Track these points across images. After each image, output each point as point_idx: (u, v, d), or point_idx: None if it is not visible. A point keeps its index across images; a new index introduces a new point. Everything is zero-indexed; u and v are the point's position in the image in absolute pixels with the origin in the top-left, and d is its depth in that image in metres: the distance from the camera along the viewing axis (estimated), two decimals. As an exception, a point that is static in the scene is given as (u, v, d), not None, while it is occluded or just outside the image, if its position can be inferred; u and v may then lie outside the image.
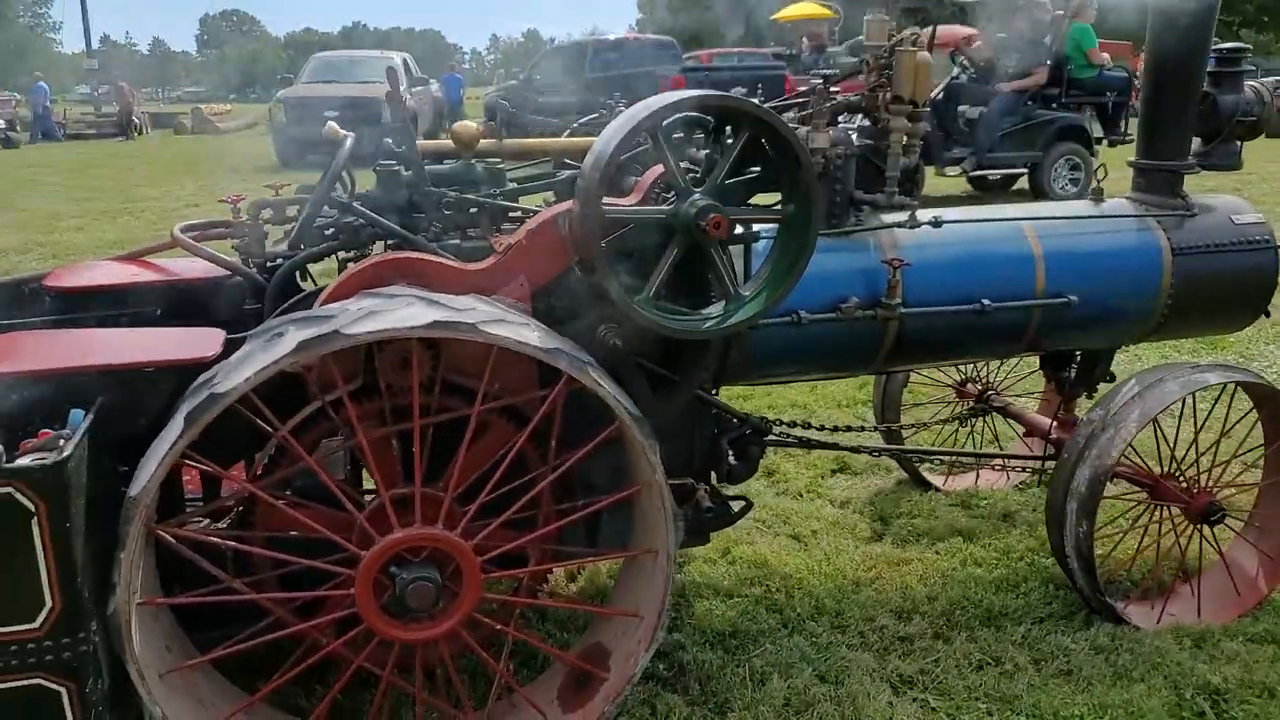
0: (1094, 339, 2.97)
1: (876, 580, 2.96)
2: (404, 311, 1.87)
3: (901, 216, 2.63)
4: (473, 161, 2.38)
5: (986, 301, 2.63)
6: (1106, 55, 10.67)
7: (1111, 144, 10.70)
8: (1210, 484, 2.76)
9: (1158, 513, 2.80)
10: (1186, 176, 2.94)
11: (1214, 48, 2.96)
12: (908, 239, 2.65)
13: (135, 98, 26.06)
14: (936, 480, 3.64)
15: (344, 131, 2.34)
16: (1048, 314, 2.74)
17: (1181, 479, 2.77)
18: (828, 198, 2.59)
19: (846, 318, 2.52)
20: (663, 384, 2.38)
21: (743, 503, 2.62)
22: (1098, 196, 2.98)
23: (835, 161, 2.56)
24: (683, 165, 2.21)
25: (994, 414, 3.56)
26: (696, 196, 2.08)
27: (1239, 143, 3.02)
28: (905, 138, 2.62)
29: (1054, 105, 10.17)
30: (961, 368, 3.61)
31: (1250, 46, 3.06)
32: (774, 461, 3.78)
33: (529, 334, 1.93)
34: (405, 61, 20.95)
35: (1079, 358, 3.10)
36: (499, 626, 2.12)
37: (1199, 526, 2.73)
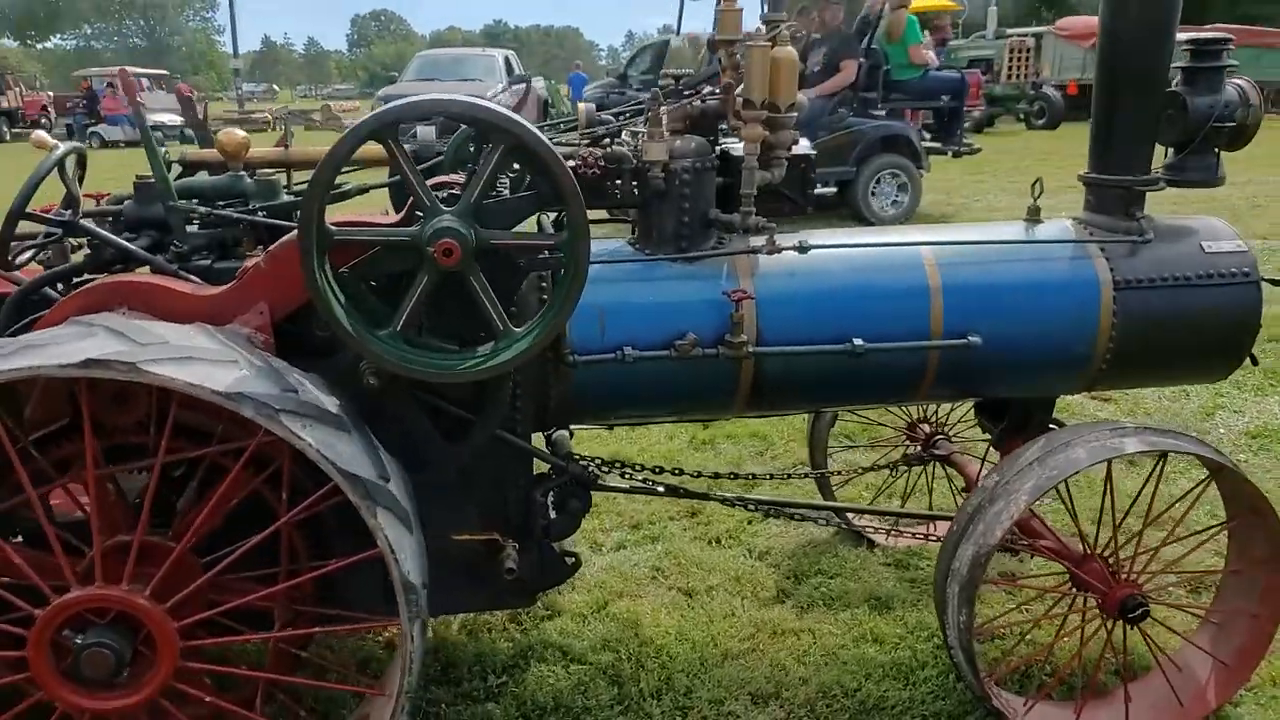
0: (1012, 388, 2.50)
1: (751, 653, 2.58)
2: (67, 347, 1.66)
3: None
4: (242, 173, 2.15)
5: (859, 341, 2.22)
6: (932, 54, 9.56)
7: (957, 155, 9.71)
8: (1136, 571, 2.26)
9: (1080, 600, 2.33)
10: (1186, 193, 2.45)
11: (1192, 37, 2.45)
12: (771, 267, 2.27)
13: (203, 101, 27.31)
14: (879, 535, 3.20)
15: (53, 141, 2.15)
16: (947, 357, 2.31)
17: (1111, 562, 2.29)
18: (675, 217, 2.25)
19: (682, 356, 2.17)
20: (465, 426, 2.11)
21: (573, 559, 2.31)
22: (1033, 217, 2.51)
23: (681, 176, 2.21)
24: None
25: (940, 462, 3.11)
26: (444, 217, 1.79)
27: (1217, 153, 2.48)
28: (767, 149, 2.27)
29: (874, 112, 8.78)
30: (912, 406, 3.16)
31: (1230, 38, 2.50)
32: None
33: (218, 374, 1.68)
34: (507, 59, 21.20)
35: (1010, 406, 2.64)
36: (206, 698, 1.88)
37: (1118, 623, 2.24)
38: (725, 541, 3.21)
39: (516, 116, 1.76)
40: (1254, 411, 4.36)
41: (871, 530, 3.16)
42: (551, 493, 2.27)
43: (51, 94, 30.25)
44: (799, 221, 3.61)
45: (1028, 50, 24.61)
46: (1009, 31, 25.42)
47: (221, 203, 2.14)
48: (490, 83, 17.68)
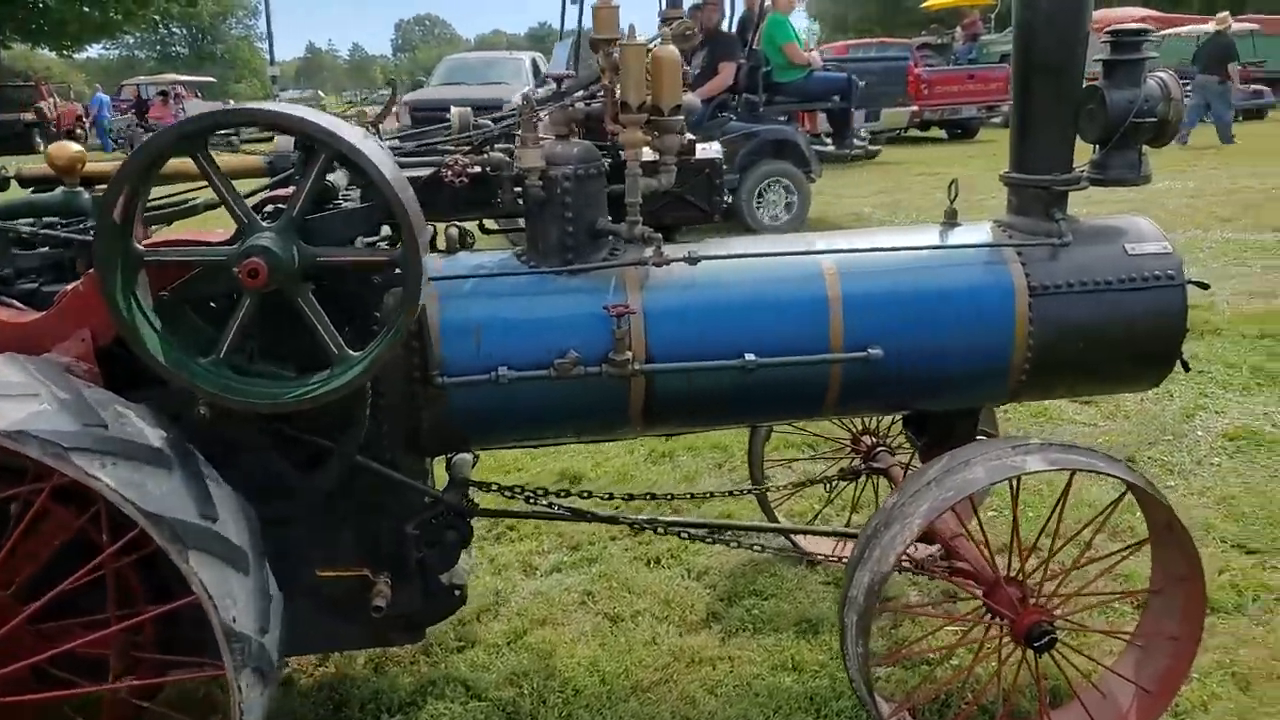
0: (925, 401, 2.38)
1: (662, 684, 2.48)
2: None
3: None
4: (79, 189, 2.09)
5: (750, 356, 2.12)
6: (815, 54, 9.06)
7: (854, 159, 9.38)
8: (1047, 596, 2.14)
9: (994, 626, 2.20)
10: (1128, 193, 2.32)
11: (1112, 27, 2.32)
12: (663, 280, 2.17)
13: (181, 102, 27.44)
14: (825, 549, 3.08)
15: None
16: (851, 371, 2.20)
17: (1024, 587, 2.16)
18: (558, 227, 2.16)
19: (563, 376, 2.08)
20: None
21: (457, 594, 2.23)
22: (950, 220, 2.39)
23: (562, 183, 2.13)
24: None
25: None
26: (260, 235, 1.71)
27: (1141, 150, 2.35)
28: (656, 155, 2.18)
29: (758, 115, 8.28)
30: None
31: (1150, 29, 2.36)
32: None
33: (8, 410, 1.57)
34: (534, 61, 21.18)
35: (930, 418, 2.52)
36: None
37: (1025, 652, 2.11)
38: (665, 561, 3.11)
39: (334, 124, 1.68)
40: (1236, 412, 4.17)
41: (812, 549, 3.07)
42: (426, 524, 2.17)
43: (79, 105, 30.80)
44: (707, 230, 3.52)
45: (1056, 43, 24.11)
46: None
47: (61, 221, 2.07)
48: (516, 85, 17.63)
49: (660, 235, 2.14)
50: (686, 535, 2.51)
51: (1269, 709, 2.34)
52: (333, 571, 2.07)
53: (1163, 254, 2.31)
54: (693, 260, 2.15)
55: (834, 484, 3.01)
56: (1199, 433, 3.98)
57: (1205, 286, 2.40)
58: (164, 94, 30.51)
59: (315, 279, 1.80)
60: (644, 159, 2.16)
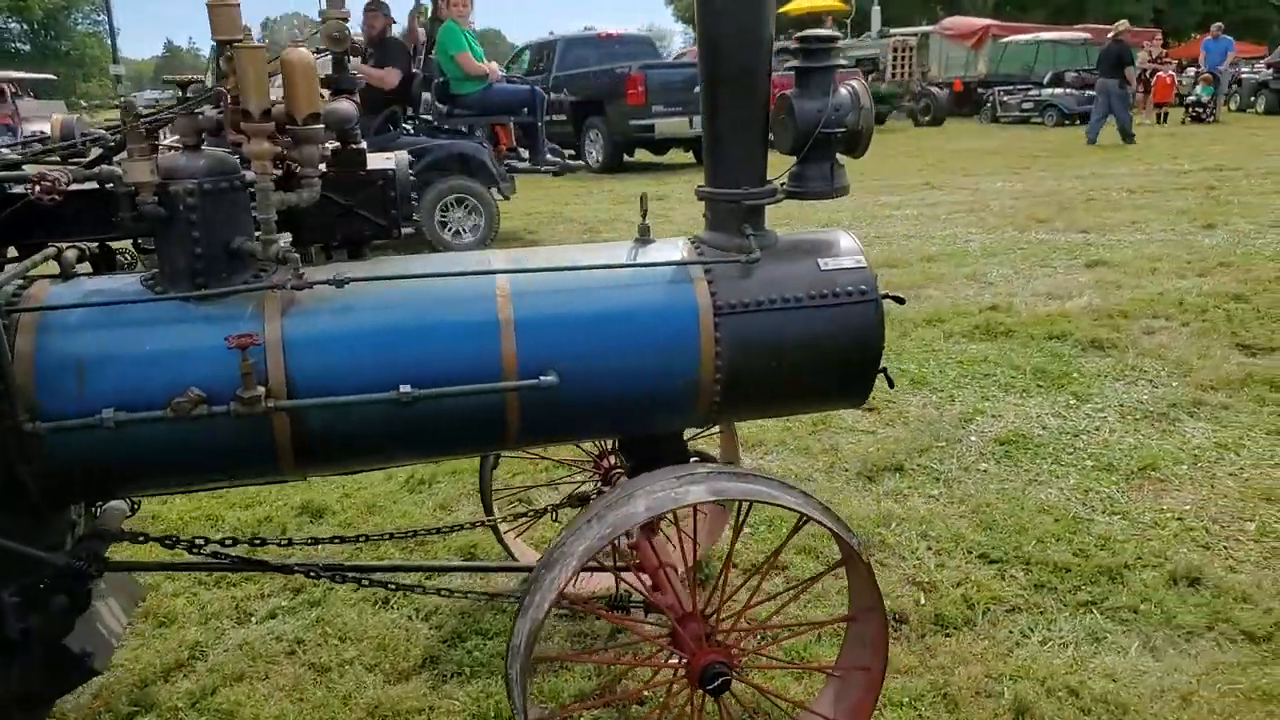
0: (614, 428, 2.25)
1: (341, 742, 2.28)
2: None
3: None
4: None
5: (405, 388, 1.93)
6: (494, 65, 8.71)
7: (557, 173, 9.10)
8: (728, 630, 2.02)
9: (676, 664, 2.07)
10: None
11: (800, 34, 2.23)
12: (310, 305, 1.96)
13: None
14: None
15: None
16: (529, 399, 2.03)
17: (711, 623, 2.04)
18: (186, 248, 1.92)
19: (182, 416, 1.84)
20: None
21: (86, 661, 1.97)
22: (642, 237, 2.26)
23: (185, 199, 1.89)
24: None
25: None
26: None
27: (835, 162, 2.26)
28: (298, 166, 1.97)
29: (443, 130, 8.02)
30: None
31: (839, 35, 2.30)
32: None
33: None
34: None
35: (632, 442, 2.39)
36: None
37: (701, 694, 1.98)
38: (394, 601, 2.89)
39: None
40: (1013, 415, 4.22)
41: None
42: (27, 590, 1.89)
43: None
44: (401, 249, 3.32)
45: (910, 49, 25.03)
46: (891, 31, 25.81)
47: None
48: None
49: (298, 255, 1.93)
50: (366, 582, 2.30)
51: (974, 731, 2.30)
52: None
53: (856, 269, 2.23)
54: (339, 282, 1.95)
55: (557, 513, 2.84)
56: (973, 438, 4.01)
57: (900, 301, 2.33)
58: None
59: None
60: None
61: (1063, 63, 24.85)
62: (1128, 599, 2.78)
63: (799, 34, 2.23)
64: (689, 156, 16.03)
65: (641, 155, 16.31)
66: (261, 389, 1.85)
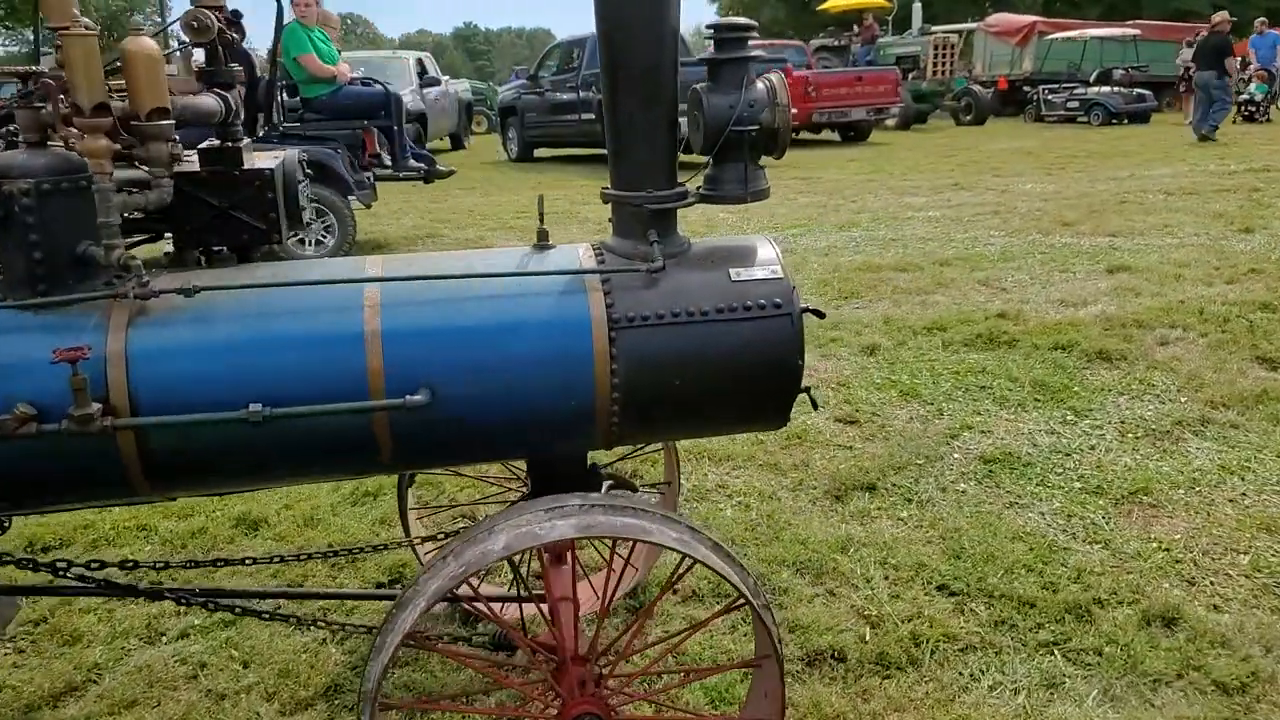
0: (504, 452, 2.08)
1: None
2: None
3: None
4: None
5: (256, 406, 1.78)
6: (344, 67, 8.22)
7: (428, 179, 8.49)
8: (608, 675, 1.84)
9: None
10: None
11: (714, 23, 2.04)
12: (160, 316, 1.82)
13: None
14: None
15: None
16: (400, 420, 1.87)
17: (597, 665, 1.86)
18: (24, 253, 1.78)
19: (8, 436, 1.71)
20: None
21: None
22: (541, 243, 2.09)
23: (21, 200, 1.75)
24: None
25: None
26: None
27: (747, 163, 2.06)
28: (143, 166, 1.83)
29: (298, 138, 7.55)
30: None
31: (754, 25, 2.09)
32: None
33: None
34: (421, 61, 20.69)
35: (529, 463, 2.21)
36: None
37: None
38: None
39: None
40: (1003, 431, 3.97)
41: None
42: None
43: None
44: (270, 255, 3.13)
45: (951, 47, 24.49)
46: (932, 29, 25.28)
47: None
48: (399, 86, 17.15)
49: (139, 261, 1.79)
50: (213, 606, 2.15)
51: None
52: None
53: (771, 280, 2.03)
54: (187, 291, 1.80)
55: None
56: (956, 455, 3.77)
57: (820, 315, 2.12)
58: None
59: None
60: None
61: (1111, 60, 24.12)
62: (1094, 640, 2.54)
63: (710, 23, 2.04)
64: (716, 156, 15.78)
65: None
66: (97, 406, 1.71)
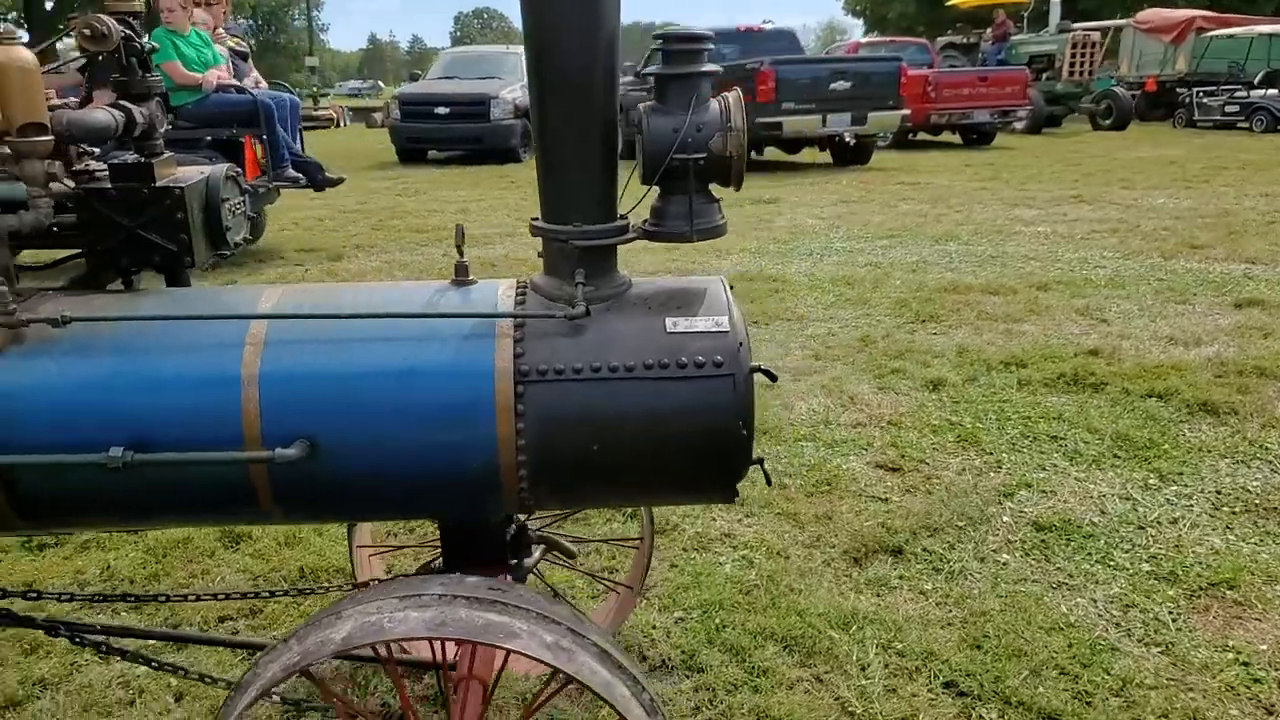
0: (400, 512, 1.85)
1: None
2: None
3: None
4: None
5: (116, 450, 1.61)
6: (213, 74, 7.67)
7: (316, 188, 7.97)
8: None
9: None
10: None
11: (661, 32, 1.75)
12: (34, 346, 1.67)
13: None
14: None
15: None
16: (280, 473, 1.67)
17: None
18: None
19: None
20: None
21: None
22: (460, 278, 1.84)
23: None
24: None
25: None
26: None
27: (697, 194, 1.76)
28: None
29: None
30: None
31: (708, 35, 1.77)
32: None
33: None
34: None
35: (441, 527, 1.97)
36: None
37: None
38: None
39: None
40: (1068, 493, 3.50)
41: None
42: None
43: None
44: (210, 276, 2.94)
45: (1093, 45, 22.96)
46: (1072, 26, 23.76)
47: None
48: (510, 80, 17.30)
49: (4, 288, 1.64)
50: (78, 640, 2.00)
51: None
52: None
53: (712, 333, 1.72)
54: (57, 322, 1.64)
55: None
56: (1005, 518, 3.34)
57: (772, 377, 1.80)
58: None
59: None
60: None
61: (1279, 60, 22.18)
62: (1121, 776, 2.13)
63: (657, 32, 1.75)
64: (826, 156, 15.26)
65: (774, 154, 15.64)
66: (-66, 444, 1.58)
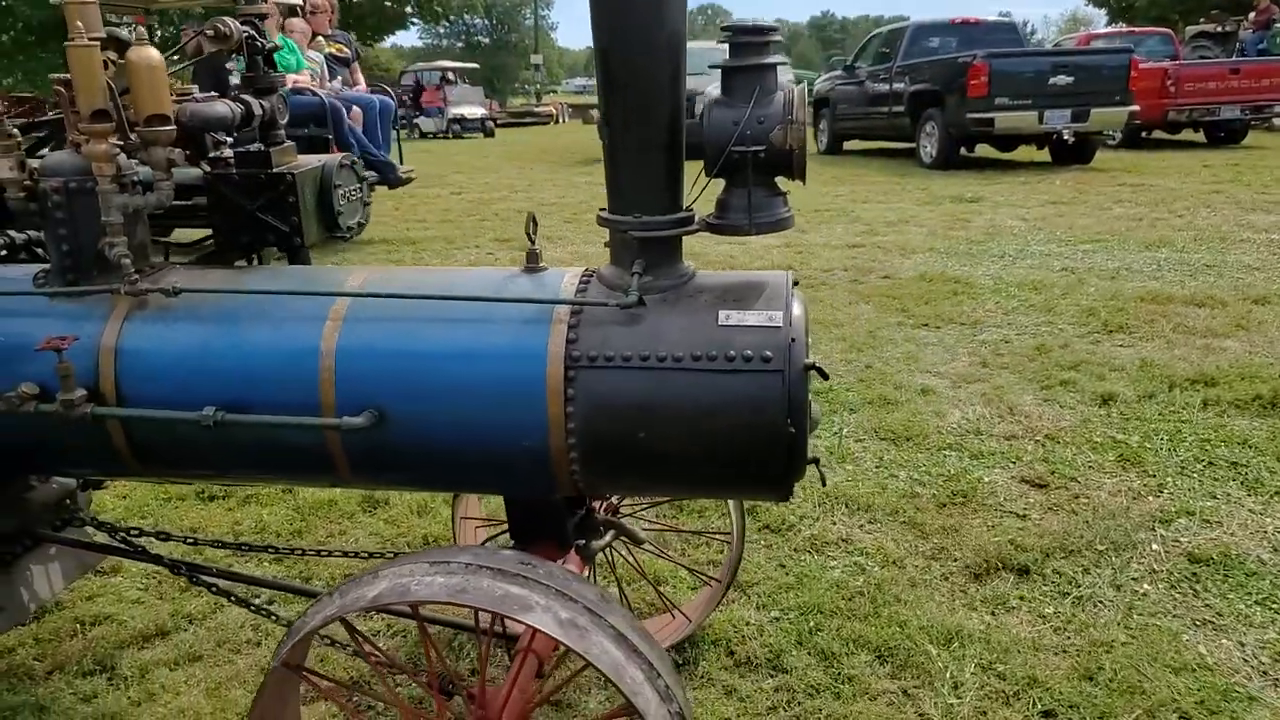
0: (461, 484, 1.94)
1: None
2: None
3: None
4: None
5: (209, 410, 1.81)
6: (293, 77, 7.51)
7: (390, 185, 7.77)
8: None
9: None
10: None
11: (729, 24, 1.75)
12: (151, 313, 1.91)
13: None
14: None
15: None
16: (352, 440, 1.82)
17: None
18: (56, 246, 1.95)
19: (11, 411, 1.87)
20: None
21: None
22: (531, 264, 1.92)
23: (52, 197, 1.91)
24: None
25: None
26: None
27: (759, 189, 1.74)
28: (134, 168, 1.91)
29: None
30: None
31: (776, 26, 1.71)
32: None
33: None
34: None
35: (507, 504, 2.04)
36: None
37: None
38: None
39: None
40: (1236, 525, 3.15)
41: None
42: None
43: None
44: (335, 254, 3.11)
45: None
46: (1354, 8, 20.89)
47: None
48: (715, 75, 17.38)
49: (130, 259, 1.88)
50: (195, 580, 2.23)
51: None
52: None
53: (765, 327, 1.71)
54: (169, 291, 1.86)
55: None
56: (1155, 546, 3.05)
57: (824, 375, 1.75)
58: (444, 79, 33.42)
59: None
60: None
61: None
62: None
63: (725, 24, 1.75)
64: (1044, 154, 14.30)
65: (985, 151, 14.82)
66: (81, 392, 1.83)
